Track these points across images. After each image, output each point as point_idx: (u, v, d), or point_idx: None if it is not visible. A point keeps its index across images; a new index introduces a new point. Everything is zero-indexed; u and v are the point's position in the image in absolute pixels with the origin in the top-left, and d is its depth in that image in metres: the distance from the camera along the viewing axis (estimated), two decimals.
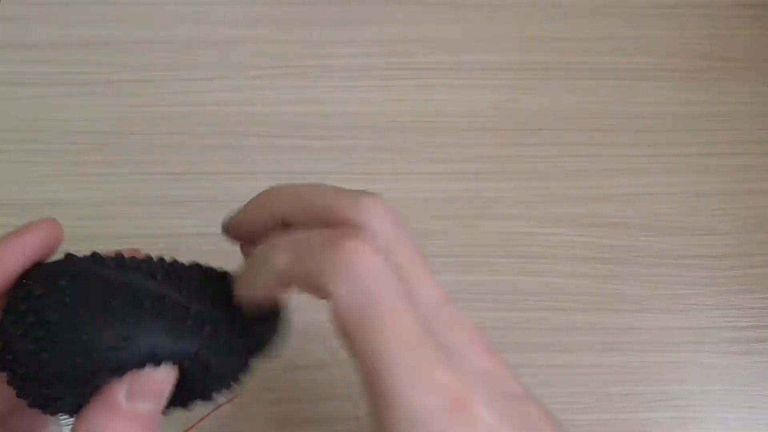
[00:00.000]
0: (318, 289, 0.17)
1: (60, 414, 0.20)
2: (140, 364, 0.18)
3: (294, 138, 0.41)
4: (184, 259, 0.37)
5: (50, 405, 0.19)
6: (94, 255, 0.20)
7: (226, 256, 0.38)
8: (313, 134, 0.41)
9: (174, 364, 0.18)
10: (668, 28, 0.45)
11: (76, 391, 0.18)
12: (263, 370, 0.36)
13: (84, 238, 0.38)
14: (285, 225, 0.21)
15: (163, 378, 0.18)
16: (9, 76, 0.42)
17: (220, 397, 0.21)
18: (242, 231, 0.24)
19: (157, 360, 0.18)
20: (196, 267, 0.22)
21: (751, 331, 0.37)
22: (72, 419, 0.19)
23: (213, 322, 0.19)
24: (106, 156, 0.40)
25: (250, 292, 0.20)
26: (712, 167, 0.41)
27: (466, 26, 0.44)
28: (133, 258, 0.20)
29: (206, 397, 0.21)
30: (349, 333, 0.17)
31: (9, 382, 0.19)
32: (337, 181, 0.40)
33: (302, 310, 0.37)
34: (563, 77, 0.43)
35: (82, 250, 0.37)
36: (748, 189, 0.40)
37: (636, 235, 0.39)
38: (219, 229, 0.38)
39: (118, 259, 0.20)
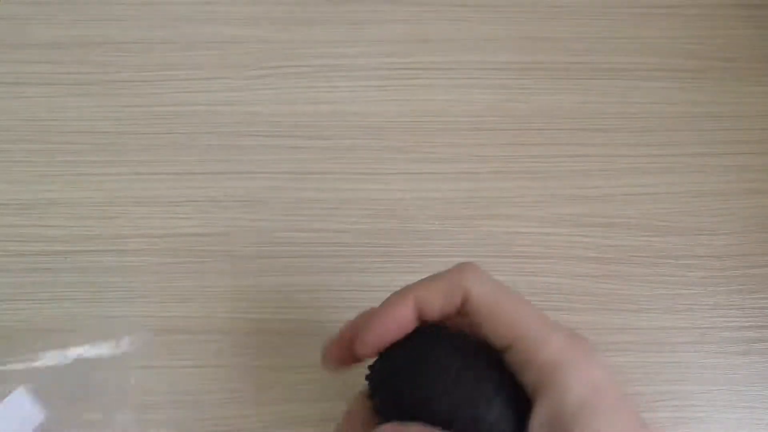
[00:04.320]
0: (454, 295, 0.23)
1: None
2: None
3: (294, 138, 0.41)
4: (185, 259, 0.37)
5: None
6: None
7: (230, 257, 0.38)
8: (313, 134, 0.41)
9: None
10: (668, 28, 0.45)
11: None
12: (263, 369, 0.36)
13: (84, 239, 0.38)
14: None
15: None
16: (9, 76, 0.42)
17: None
18: (369, 348, 0.25)
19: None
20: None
21: (751, 331, 0.37)
22: None
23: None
24: (106, 156, 0.40)
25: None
26: (712, 167, 0.41)
27: (466, 26, 0.44)
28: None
29: None
30: (488, 314, 0.22)
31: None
32: (337, 181, 0.41)
33: (302, 310, 0.37)
34: (563, 77, 0.43)
35: (82, 249, 0.37)
36: (748, 189, 0.40)
37: (636, 235, 0.39)
38: (219, 229, 0.38)
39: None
